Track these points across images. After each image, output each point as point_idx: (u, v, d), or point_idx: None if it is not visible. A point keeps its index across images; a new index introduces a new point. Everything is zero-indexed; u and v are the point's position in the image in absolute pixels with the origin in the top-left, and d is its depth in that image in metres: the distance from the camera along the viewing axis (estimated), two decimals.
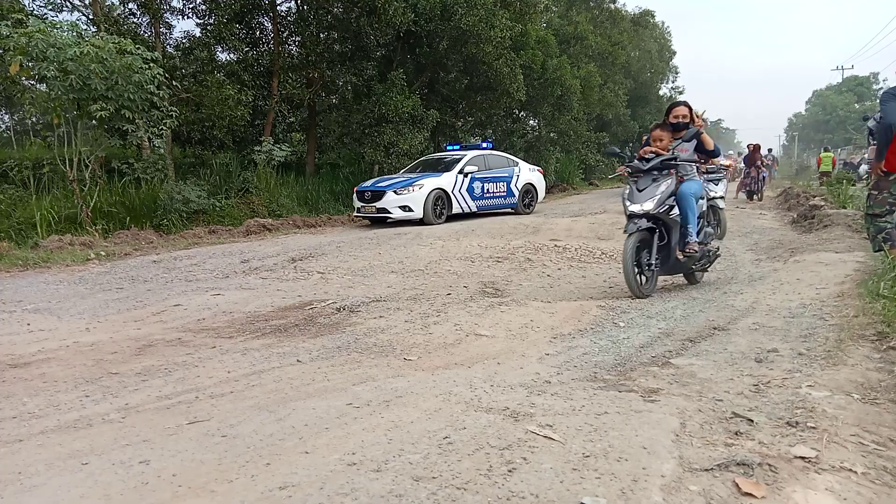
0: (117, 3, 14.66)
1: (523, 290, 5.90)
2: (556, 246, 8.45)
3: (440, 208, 11.97)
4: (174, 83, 11.94)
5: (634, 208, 5.21)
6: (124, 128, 10.46)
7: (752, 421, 2.50)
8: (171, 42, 15.03)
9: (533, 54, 19.18)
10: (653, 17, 34.28)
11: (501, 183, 13.43)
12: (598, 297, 5.53)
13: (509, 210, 13.81)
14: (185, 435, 2.46)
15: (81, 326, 4.48)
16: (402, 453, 2.28)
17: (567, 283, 6.32)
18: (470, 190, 12.63)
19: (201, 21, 14.68)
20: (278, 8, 15.51)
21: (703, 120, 5.95)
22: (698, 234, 5.55)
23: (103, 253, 8.49)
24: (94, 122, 9.94)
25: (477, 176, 12.75)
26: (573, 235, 9.65)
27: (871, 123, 5.59)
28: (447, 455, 2.25)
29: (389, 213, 11.58)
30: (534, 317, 4.71)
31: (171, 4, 14.32)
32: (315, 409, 2.75)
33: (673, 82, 41.67)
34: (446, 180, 12.21)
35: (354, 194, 12.31)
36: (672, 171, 5.41)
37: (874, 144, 5.37)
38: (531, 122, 23.85)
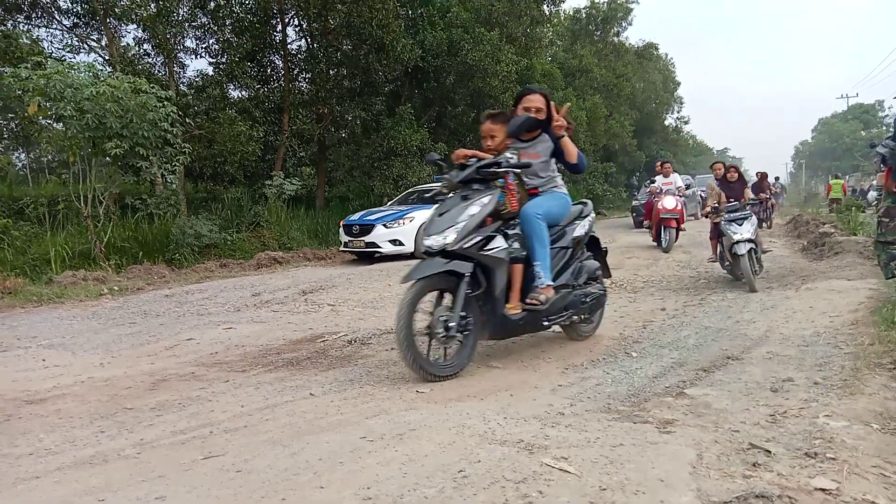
0: (132, 44, 15.08)
1: None
2: None
3: None
4: (187, 120, 12.18)
5: (429, 242, 3.77)
6: (138, 164, 10.65)
7: (769, 452, 2.47)
8: (184, 81, 15.38)
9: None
10: (656, 49, 34.78)
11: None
12: (609, 327, 5.51)
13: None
14: (200, 470, 2.46)
15: (96, 362, 4.51)
16: (417, 487, 2.27)
17: None
18: None
19: (214, 60, 15.05)
20: (289, 46, 15.88)
21: (568, 119, 4.29)
22: (559, 272, 4.28)
23: (116, 288, 8.57)
24: (108, 159, 10.14)
25: None
26: None
27: (881, 149, 5.59)
28: (462, 489, 2.24)
29: (379, 247, 11.03)
30: (545, 347, 4.70)
31: (185, 45, 14.71)
32: (329, 443, 2.74)
33: (678, 112, 42.05)
34: None
35: (341, 228, 11.85)
36: (503, 183, 4.03)
37: (885, 170, 5.36)
38: None
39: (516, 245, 4.01)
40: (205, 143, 13.19)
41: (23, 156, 26.58)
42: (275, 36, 15.61)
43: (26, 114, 10.16)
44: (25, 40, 13.22)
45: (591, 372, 4.01)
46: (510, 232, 4.03)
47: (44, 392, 3.68)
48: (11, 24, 13.32)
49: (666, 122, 39.75)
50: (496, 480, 2.30)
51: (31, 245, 10.44)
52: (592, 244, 4.88)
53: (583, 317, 4.66)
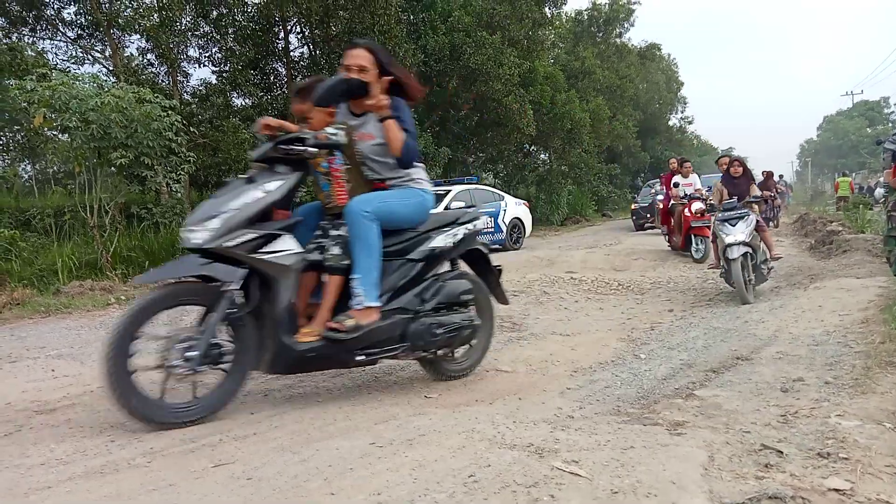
0: (136, 54, 15.17)
1: (541, 324, 5.87)
2: (572, 278, 8.43)
3: None
4: (191, 129, 12.26)
5: (186, 235, 2.94)
6: (143, 174, 10.69)
7: (781, 453, 2.45)
8: (188, 90, 15.47)
9: (542, 90, 19.47)
10: (659, 49, 34.75)
11: (489, 219, 12.51)
12: (616, 329, 5.50)
13: (497, 247, 12.91)
14: (210, 478, 2.46)
15: None
16: (427, 493, 2.26)
17: (585, 315, 6.29)
18: None
19: (217, 69, 15.14)
20: (291, 54, 15.95)
21: (408, 83, 3.32)
22: (397, 292, 3.37)
23: (123, 297, 8.58)
24: (113, 169, 10.18)
25: None
26: (588, 267, 9.62)
27: (889, 145, 5.55)
28: (473, 494, 2.23)
29: None
30: (553, 350, 4.69)
31: (188, 54, 14.80)
32: (339, 450, 2.74)
33: (682, 112, 42.00)
34: None
35: None
36: (326, 167, 3.33)
37: (893, 166, 5.33)
38: (542, 155, 24.07)
39: (336, 251, 3.18)
40: (209, 151, 13.26)
41: (28, 167, 26.79)
42: (277, 43, 15.69)
43: (32, 125, 10.23)
44: (30, 52, 13.32)
45: (599, 374, 4.00)
46: (334, 233, 3.23)
47: (54, 402, 3.69)
48: (16, 37, 13.43)
49: (670, 123, 39.72)
50: (507, 485, 2.29)
51: (38, 256, 10.48)
52: (476, 260, 4.00)
53: (439, 353, 3.65)
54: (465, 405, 3.43)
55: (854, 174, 34.82)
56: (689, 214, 9.99)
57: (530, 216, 14.39)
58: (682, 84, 41.01)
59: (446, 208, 11.17)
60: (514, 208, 13.54)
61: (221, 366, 3.03)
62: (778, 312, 5.54)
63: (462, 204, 11.78)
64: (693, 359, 4.23)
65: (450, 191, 12.14)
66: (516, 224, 13.42)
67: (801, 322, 4.99)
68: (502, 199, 13.45)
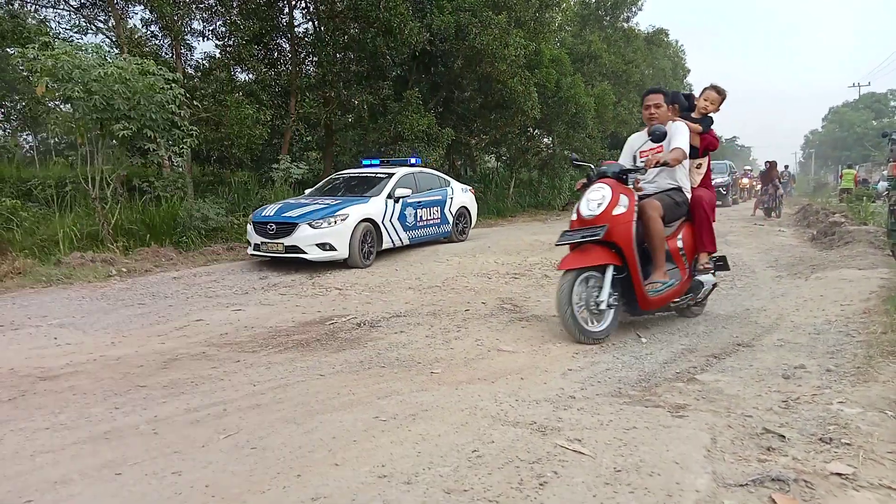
0: (140, 26, 14.99)
1: (542, 306, 5.88)
2: None
3: (368, 245, 8.94)
4: (195, 103, 12.14)
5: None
6: (145, 147, 10.64)
7: (783, 437, 2.47)
8: (191, 63, 15.29)
9: (547, 73, 19.28)
10: (666, 35, 34.38)
11: (435, 208, 10.86)
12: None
13: (441, 240, 11.27)
14: (215, 447, 2.47)
15: (107, 341, 4.54)
16: (431, 466, 2.28)
17: None
18: (402, 218, 9.79)
19: (221, 43, 14.93)
20: (296, 29, 15.75)
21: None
22: None
23: (124, 269, 8.58)
24: (115, 141, 10.11)
25: (409, 201, 10.00)
26: None
27: None
28: (477, 468, 2.25)
29: (303, 252, 8.44)
30: (555, 332, 4.69)
31: (192, 27, 14.59)
32: (342, 423, 2.75)
33: None
34: (375, 207, 9.26)
35: (250, 226, 9.13)
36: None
37: None
38: (545, 139, 23.92)
39: None
40: (212, 126, 13.14)
41: (30, 137, 26.63)
42: (282, 18, 15.48)
43: (34, 95, 10.13)
44: (32, 21, 13.17)
45: (600, 357, 4.01)
46: None
47: (57, 369, 3.70)
48: (18, 5, 13.26)
49: None
50: (510, 460, 2.30)
51: (39, 226, 10.44)
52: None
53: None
54: (468, 383, 3.45)
55: (858, 166, 34.70)
56: None
57: (475, 204, 12.74)
58: (689, 71, 40.64)
59: (389, 196, 9.60)
60: (461, 196, 11.93)
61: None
62: (779, 301, 5.55)
63: (408, 190, 10.00)
64: (694, 344, 4.25)
65: (392, 174, 10.20)
66: (462, 213, 11.88)
67: (802, 311, 5.00)
68: (448, 184, 11.74)
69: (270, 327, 5.05)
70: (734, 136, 76.37)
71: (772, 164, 16.44)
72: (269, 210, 9.18)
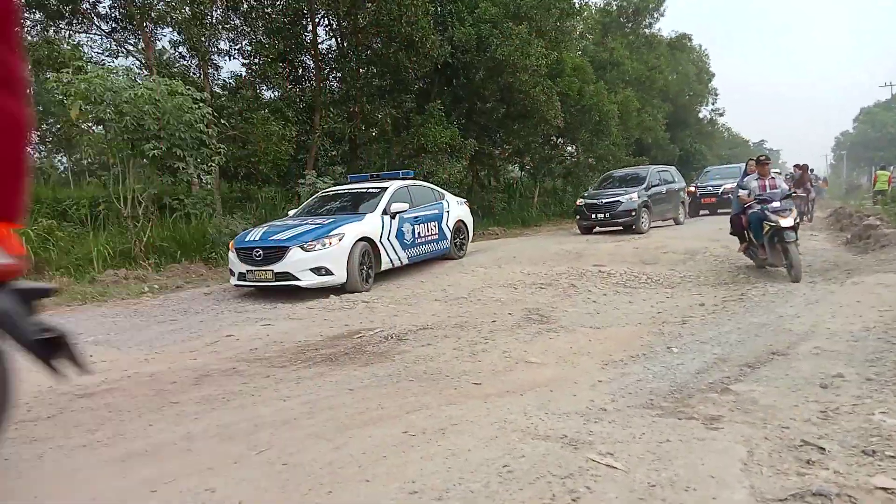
0: (168, 48, 15.37)
1: (569, 317, 5.83)
2: (600, 271, 8.35)
3: (367, 267, 8.10)
4: (222, 121, 12.36)
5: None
6: (175, 165, 10.85)
7: (823, 449, 2.40)
8: (218, 82, 15.63)
9: (569, 81, 19.26)
10: (690, 40, 34.14)
11: (433, 223, 9.99)
12: (647, 322, 5.44)
13: (440, 257, 10.40)
14: (247, 463, 2.50)
15: (140, 357, 4.62)
16: (462, 482, 2.26)
17: (614, 308, 6.23)
18: (399, 236, 8.94)
19: (247, 61, 15.25)
20: (319, 46, 16.01)
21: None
22: None
23: (156, 286, 8.75)
24: (145, 160, 10.35)
25: (406, 216, 9.17)
26: (617, 260, 9.52)
27: None
28: (508, 484, 2.23)
29: (296, 278, 7.51)
30: (583, 343, 4.65)
31: (219, 47, 14.92)
32: (371, 438, 2.76)
33: (713, 104, 41.16)
34: (371, 225, 8.41)
35: (232, 254, 8.10)
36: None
37: None
38: (569, 148, 23.83)
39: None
40: (239, 143, 13.38)
41: (64, 159, 27.44)
42: (305, 36, 15.75)
43: (68, 118, 10.44)
44: (66, 46, 13.59)
45: (630, 368, 3.96)
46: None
47: (93, 387, 3.78)
48: (54, 31, 13.70)
49: (700, 115, 38.98)
50: (542, 476, 2.28)
51: (74, 245, 10.72)
52: None
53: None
54: (496, 396, 3.43)
55: (893, 167, 33.85)
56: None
57: (471, 218, 11.90)
58: (713, 75, 40.21)
59: (384, 212, 8.76)
60: (457, 209, 11.04)
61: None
62: (814, 308, 5.42)
63: (404, 205, 9.20)
64: (727, 353, 4.17)
65: (385, 189, 9.36)
66: (460, 228, 10.99)
67: (838, 317, 4.87)
68: (443, 197, 10.90)
69: (299, 342, 5.09)
70: (762, 140, 75.12)
71: (803, 168, 16.12)
72: (254, 234, 8.26)
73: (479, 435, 2.76)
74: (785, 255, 6.98)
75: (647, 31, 30.01)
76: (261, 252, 7.71)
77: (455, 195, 15.87)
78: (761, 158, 7.79)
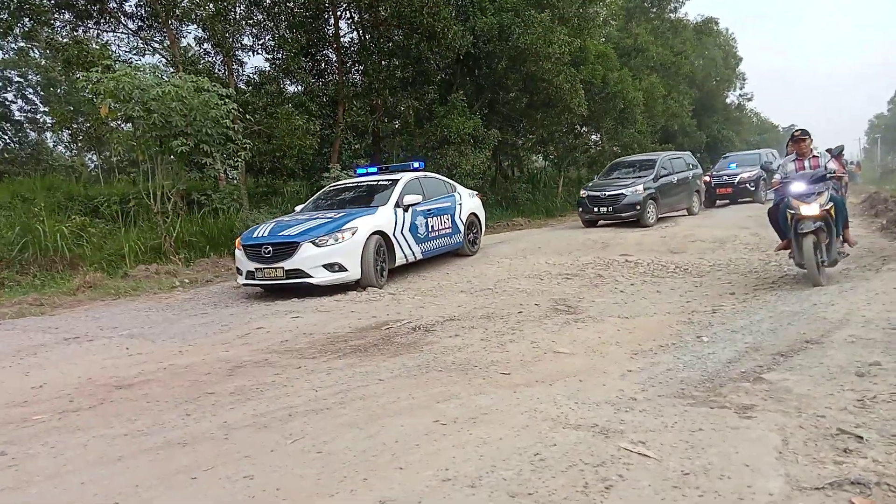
0: (193, 44, 15.55)
1: (597, 307, 5.81)
2: (626, 261, 8.29)
3: (381, 261, 7.77)
4: (247, 117, 12.50)
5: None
6: (202, 161, 11.02)
7: (861, 438, 2.37)
8: (242, 78, 15.77)
9: (593, 69, 19.05)
10: (716, 24, 33.44)
11: (446, 216, 9.50)
12: (675, 312, 5.39)
13: (452, 253, 9.88)
14: (283, 451, 2.55)
15: (175, 350, 4.72)
16: (494, 469, 2.28)
17: (642, 298, 6.18)
18: (413, 229, 8.53)
19: (270, 56, 15.36)
20: (341, 39, 16.06)
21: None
22: None
23: (187, 280, 8.92)
24: (173, 157, 10.52)
25: (419, 209, 8.76)
26: (644, 250, 9.43)
27: None
28: (540, 472, 2.24)
29: (308, 276, 7.20)
30: (612, 333, 4.63)
31: (243, 42, 15.06)
32: (403, 426, 2.79)
33: (741, 89, 40.39)
34: (384, 218, 8.06)
35: (239, 252, 7.68)
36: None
37: None
38: (593, 136, 23.61)
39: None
40: (264, 138, 13.51)
41: (94, 156, 27.99)
42: (328, 30, 15.81)
43: (98, 116, 10.66)
44: (95, 46, 13.83)
45: (660, 357, 3.93)
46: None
47: (130, 378, 3.88)
48: (82, 31, 13.95)
49: (727, 100, 38.31)
50: (574, 464, 2.29)
51: (106, 241, 10.97)
52: None
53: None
54: (525, 385, 3.44)
55: None
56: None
57: (483, 211, 11.32)
58: (741, 59, 39.45)
59: (397, 204, 8.38)
60: (469, 202, 10.50)
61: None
62: (848, 295, 5.31)
63: (417, 197, 8.71)
64: (759, 342, 4.11)
65: (396, 181, 9.00)
66: (473, 222, 10.44)
67: (874, 305, 4.77)
68: (455, 189, 10.43)
69: (328, 333, 5.15)
70: (791, 125, 73.47)
71: (836, 151, 15.70)
72: (262, 230, 7.88)
73: (509, 424, 2.78)
74: (799, 251, 5.92)
75: (671, 15, 29.48)
76: (270, 248, 7.35)
77: (479, 186, 15.81)
78: (796, 134, 6.55)
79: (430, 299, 6.66)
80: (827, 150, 6.96)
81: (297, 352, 4.52)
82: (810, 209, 5.84)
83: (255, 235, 7.75)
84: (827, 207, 5.84)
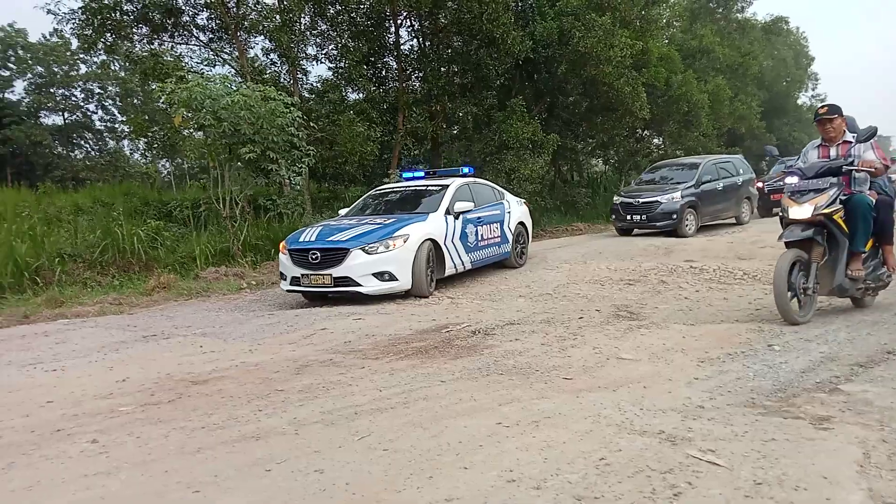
0: (260, 55, 16.13)
1: (661, 313, 5.69)
2: (691, 267, 8.07)
3: (430, 271, 7.42)
4: (311, 124, 12.85)
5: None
6: (268, 167, 11.40)
7: None
8: (306, 86, 16.24)
9: (656, 71, 18.64)
10: (786, 23, 32.17)
11: (495, 225, 8.97)
12: (744, 319, 5.22)
13: (498, 263, 9.27)
14: (350, 447, 2.63)
15: (245, 348, 4.91)
16: (559, 472, 2.29)
17: (708, 305, 6.01)
18: (463, 238, 8.10)
19: (333, 65, 15.77)
20: (402, 47, 16.32)
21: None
22: None
23: (253, 282, 9.24)
24: (241, 163, 10.93)
25: (470, 217, 8.30)
26: (710, 256, 9.16)
27: None
28: (606, 476, 2.23)
29: (357, 284, 6.93)
30: (677, 340, 4.53)
31: (307, 52, 15.51)
32: (467, 428, 2.83)
33: (813, 90, 38.63)
34: (435, 226, 7.67)
35: (283, 256, 7.44)
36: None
37: None
38: (655, 140, 23.08)
39: None
40: (326, 145, 13.86)
41: (167, 164, 29.40)
42: (388, 38, 16.11)
43: (172, 125, 11.20)
44: (169, 57, 14.54)
45: (729, 365, 3.82)
46: None
47: (205, 374, 4.07)
48: (158, 44, 14.70)
49: (799, 102, 36.70)
50: (640, 469, 2.27)
51: (179, 244, 11.48)
52: None
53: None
54: (588, 391, 3.41)
55: None
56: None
57: (530, 220, 10.63)
58: (813, 59, 37.76)
59: (447, 211, 7.95)
60: (518, 209, 9.87)
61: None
62: None
63: (469, 204, 8.33)
64: (835, 352, 3.94)
65: (446, 186, 8.52)
66: (521, 232, 9.77)
67: None
68: (503, 196, 9.87)
69: (390, 335, 5.25)
70: (869, 126, 69.64)
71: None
72: (309, 234, 7.57)
73: (572, 428, 2.77)
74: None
75: (738, 15, 28.52)
76: (318, 254, 7.03)
77: (537, 191, 15.66)
78: (821, 112, 5.11)
79: (489, 303, 6.68)
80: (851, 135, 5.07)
81: (360, 352, 4.62)
82: (800, 211, 4.66)
83: (301, 239, 7.46)
84: (827, 211, 4.58)
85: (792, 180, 4.88)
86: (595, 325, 5.23)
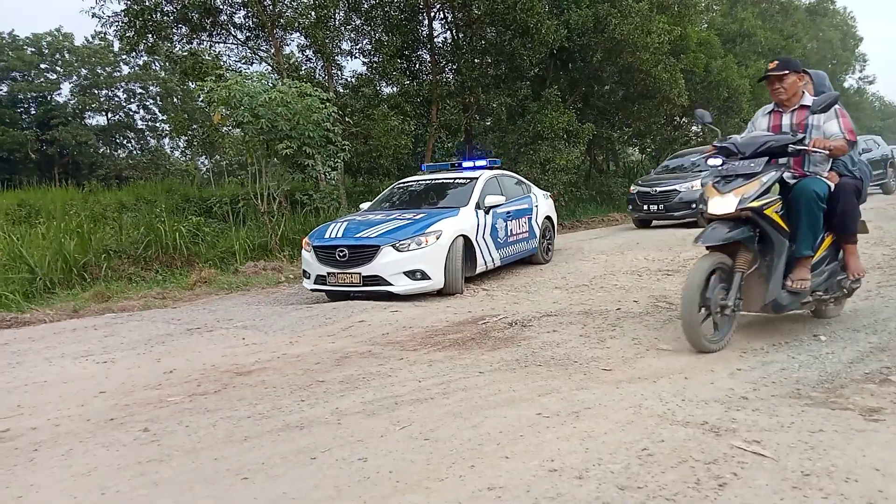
0: (296, 51, 16.35)
1: None
2: None
3: (463, 267, 7.08)
4: (346, 119, 12.98)
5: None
6: (304, 163, 11.56)
7: None
8: (341, 81, 16.42)
9: (694, 57, 18.25)
10: (832, 3, 31.12)
11: (524, 219, 8.61)
12: None
13: (525, 260, 8.86)
14: (392, 437, 2.67)
15: (285, 340, 5.02)
16: (601, 462, 2.28)
17: None
18: (493, 233, 7.74)
19: (367, 60, 15.90)
20: (435, 40, 16.34)
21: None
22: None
23: (291, 276, 9.40)
24: (277, 159, 11.11)
25: (499, 211, 7.93)
26: None
27: None
28: (649, 466, 2.22)
29: (387, 283, 6.62)
30: None
31: (341, 47, 15.66)
32: (506, 418, 2.84)
33: (860, 71, 37.32)
34: (467, 221, 7.32)
35: (308, 253, 7.12)
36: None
37: None
38: (694, 128, 22.62)
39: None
40: (361, 139, 13.99)
41: (205, 160, 30.08)
42: (422, 31, 16.14)
43: (211, 122, 11.45)
44: (207, 56, 14.85)
45: (772, 356, 3.75)
46: None
47: (249, 366, 4.17)
48: (196, 43, 15.02)
49: (845, 84, 35.53)
50: (684, 460, 2.25)
51: (219, 239, 11.75)
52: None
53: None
54: (628, 382, 3.39)
55: None
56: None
57: (556, 213, 10.06)
58: (861, 39, 36.42)
59: (477, 206, 7.59)
60: (544, 203, 9.43)
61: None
62: None
63: (500, 198, 7.90)
64: (885, 342, 3.83)
65: (475, 179, 8.13)
66: (548, 227, 9.30)
67: None
68: (530, 190, 9.44)
69: (427, 327, 5.29)
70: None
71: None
72: (335, 229, 7.21)
73: (613, 419, 2.76)
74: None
75: None
76: (346, 251, 6.70)
77: (572, 181, 15.49)
78: (770, 68, 4.16)
79: (524, 295, 6.66)
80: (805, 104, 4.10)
81: (398, 344, 4.67)
82: (721, 204, 3.65)
83: (327, 236, 7.13)
84: (756, 204, 3.58)
85: (715, 162, 3.87)
86: (633, 316, 5.17)
